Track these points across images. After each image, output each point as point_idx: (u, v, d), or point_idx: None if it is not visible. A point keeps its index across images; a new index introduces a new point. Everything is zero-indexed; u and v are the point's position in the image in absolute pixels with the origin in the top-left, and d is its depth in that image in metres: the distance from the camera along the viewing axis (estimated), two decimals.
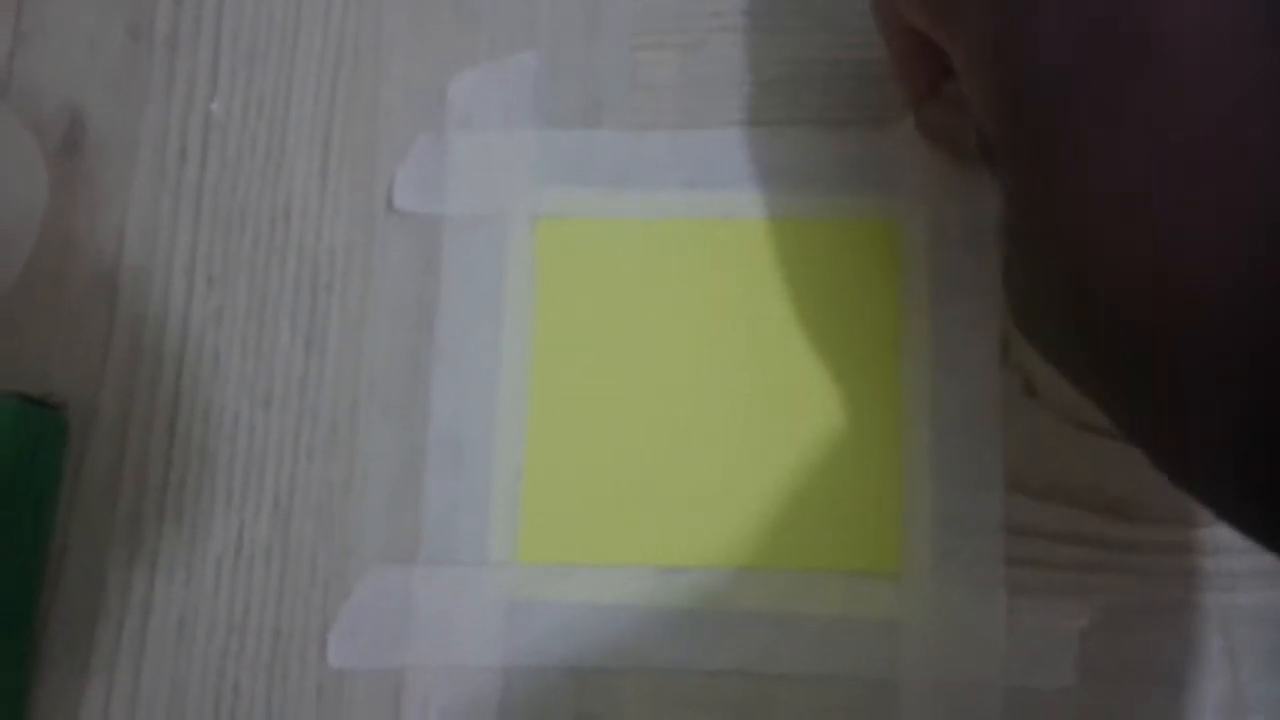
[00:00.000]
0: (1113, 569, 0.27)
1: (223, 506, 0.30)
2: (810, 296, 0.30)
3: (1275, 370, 0.16)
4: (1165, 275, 0.17)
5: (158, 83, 0.32)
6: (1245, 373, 0.17)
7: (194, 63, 0.32)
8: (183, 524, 0.30)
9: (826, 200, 0.30)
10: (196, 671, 0.29)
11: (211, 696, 0.29)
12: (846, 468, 0.28)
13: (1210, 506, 0.20)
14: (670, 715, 0.28)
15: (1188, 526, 0.27)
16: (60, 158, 0.32)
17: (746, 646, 0.28)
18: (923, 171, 0.30)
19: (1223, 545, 0.27)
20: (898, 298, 0.29)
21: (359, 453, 0.30)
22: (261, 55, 0.32)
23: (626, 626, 0.28)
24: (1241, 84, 0.17)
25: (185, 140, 0.32)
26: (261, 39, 0.32)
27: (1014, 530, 0.28)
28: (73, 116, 0.33)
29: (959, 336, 0.29)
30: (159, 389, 0.31)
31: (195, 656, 0.29)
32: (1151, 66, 0.18)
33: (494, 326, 0.30)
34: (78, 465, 0.30)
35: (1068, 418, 0.28)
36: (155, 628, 0.29)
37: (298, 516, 0.30)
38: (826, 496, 0.28)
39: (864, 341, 0.29)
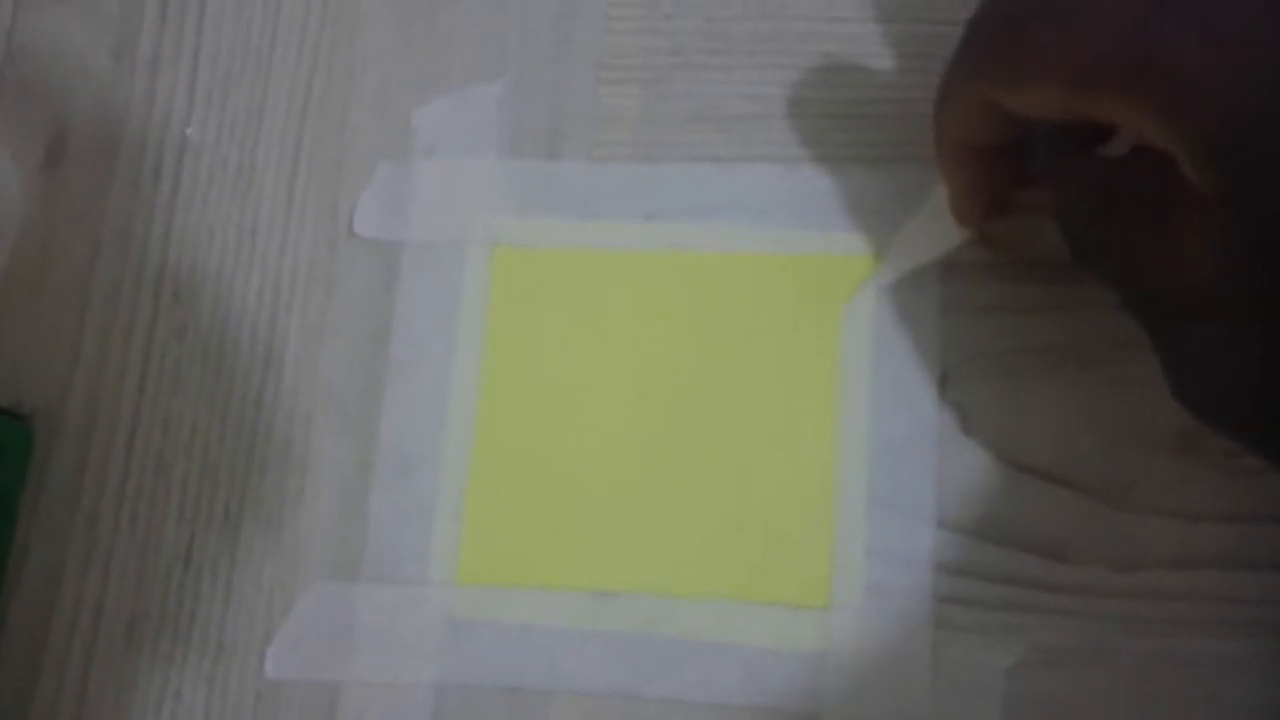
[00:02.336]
0: (1042, 610, 0.28)
1: (175, 516, 0.31)
2: (758, 329, 0.30)
3: None
4: None
5: (138, 103, 0.34)
6: None
7: (173, 83, 0.34)
8: (137, 531, 0.31)
9: (779, 235, 0.31)
10: (142, 676, 0.30)
11: (154, 701, 0.30)
12: (781, 499, 0.29)
13: None
14: None
15: (1119, 570, 0.28)
16: (42, 171, 0.34)
17: (678, 674, 0.29)
18: (871, 210, 0.31)
19: (1154, 590, 0.28)
20: (836, 332, 0.30)
21: (310, 468, 0.31)
22: (237, 77, 0.34)
23: (562, 649, 0.29)
24: None
25: (161, 159, 0.34)
26: (238, 61, 0.34)
27: (944, 567, 0.28)
28: (56, 132, 0.34)
29: (898, 372, 0.29)
30: (121, 399, 0.32)
31: (141, 661, 0.30)
32: None
33: (447, 350, 0.31)
34: (42, 469, 0.32)
35: (1003, 456, 0.29)
36: (105, 631, 0.31)
37: (247, 528, 0.31)
38: (760, 527, 0.29)
39: (806, 374, 0.30)
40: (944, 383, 0.29)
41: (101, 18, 0.35)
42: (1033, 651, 0.28)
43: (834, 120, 0.31)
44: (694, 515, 0.29)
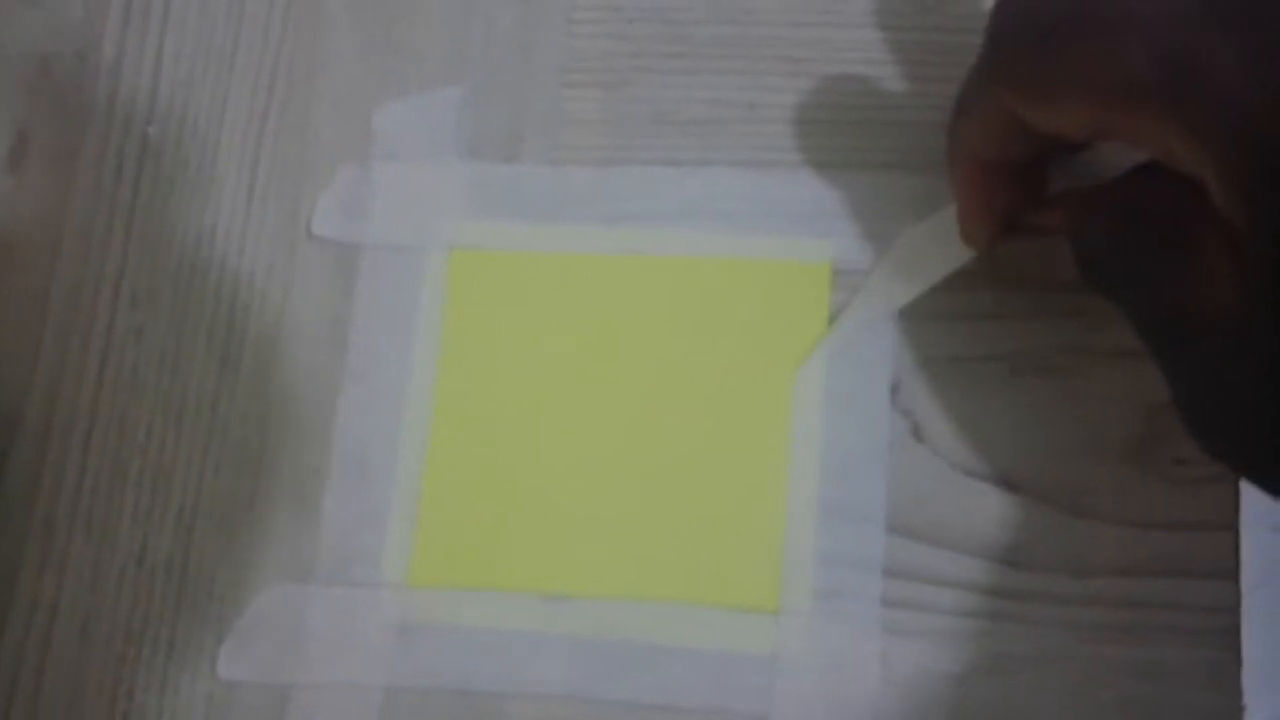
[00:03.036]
0: (992, 616, 0.28)
1: (130, 516, 0.31)
2: (715, 335, 0.31)
3: None
4: None
5: (100, 104, 0.34)
6: None
7: (135, 84, 0.34)
8: (92, 531, 0.31)
9: (739, 240, 0.31)
10: (95, 675, 0.30)
11: (107, 700, 0.30)
12: (733, 504, 0.29)
13: None
14: None
15: (1070, 577, 0.28)
16: (4, 172, 0.34)
17: (629, 676, 0.29)
18: (832, 215, 0.31)
19: (1104, 598, 0.28)
20: (795, 338, 0.30)
21: (264, 470, 0.31)
22: (199, 78, 0.34)
23: (514, 652, 0.29)
24: None
25: (122, 160, 0.34)
26: (200, 61, 0.34)
27: (894, 573, 0.28)
28: (20, 133, 0.34)
29: (851, 378, 0.30)
30: (80, 400, 0.32)
31: (95, 660, 0.30)
32: None
33: (403, 353, 0.31)
34: (0, 467, 0.32)
35: (955, 463, 0.29)
36: (60, 630, 0.31)
37: (200, 530, 0.31)
38: (712, 531, 0.29)
39: (761, 379, 0.30)
40: (896, 390, 0.30)
41: (67, 21, 0.35)
42: (982, 658, 0.28)
43: (795, 125, 0.32)
44: (647, 519, 0.30)
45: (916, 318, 0.30)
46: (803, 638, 0.28)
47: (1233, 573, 0.28)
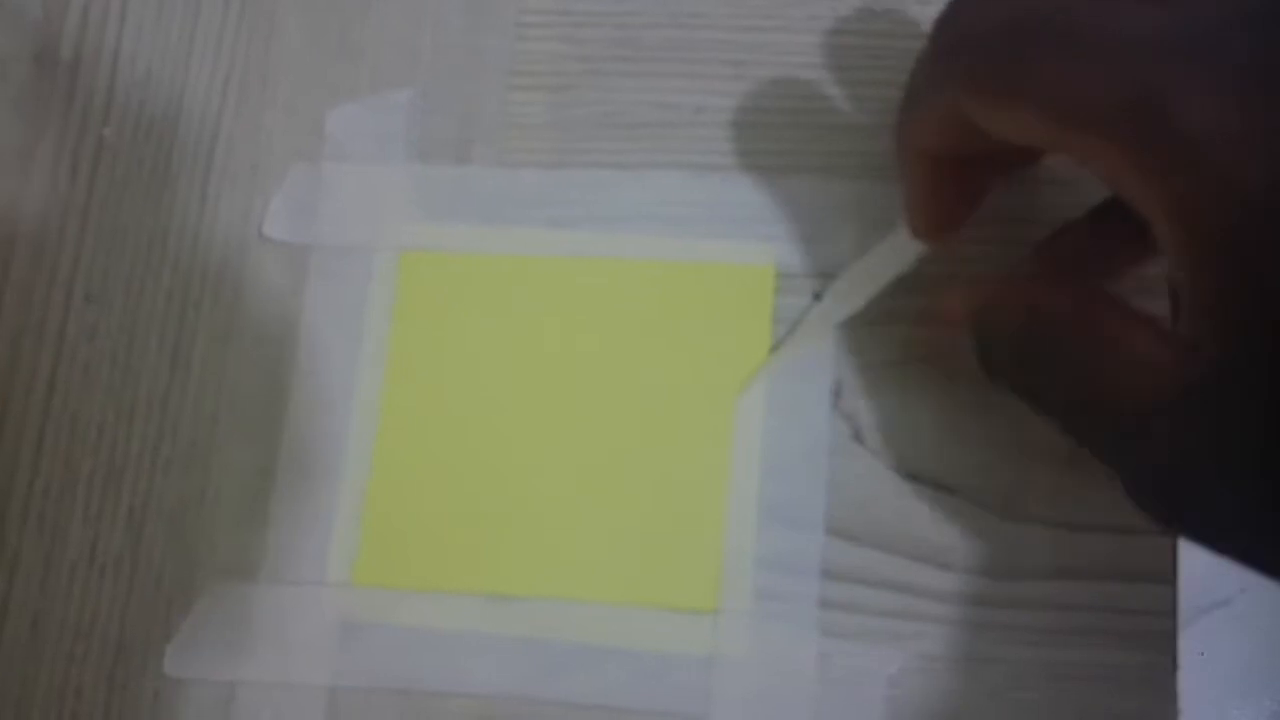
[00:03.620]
0: (925, 618, 0.28)
1: (80, 515, 0.32)
2: (660, 338, 0.31)
3: None
4: None
5: (57, 105, 0.35)
6: None
7: (92, 85, 0.35)
8: (44, 530, 0.32)
9: (686, 243, 0.32)
10: (44, 672, 0.31)
11: (56, 697, 0.31)
12: (672, 504, 0.30)
13: None
14: None
15: (1000, 579, 0.28)
16: None
17: (572, 677, 0.29)
18: (777, 219, 0.31)
19: (1033, 600, 0.28)
20: (738, 340, 0.30)
21: (214, 468, 0.32)
22: (155, 79, 0.34)
23: (455, 652, 0.30)
24: None
25: (77, 160, 0.34)
26: (155, 62, 0.34)
27: (831, 574, 0.29)
28: None
29: (792, 380, 0.30)
30: (31, 398, 0.32)
31: (44, 658, 0.31)
32: None
33: (352, 353, 0.32)
34: None
35: (893, 466, 0.29)
36: (10, 628, 0.31)
37: (150, 529, 0.31)
38: (652, 533, 0.30)
39: (703, 382, 0.30)
40: (838, 393, 0.30)
41: (26, 23, 0.35)
42: (915, 659, 0.28)
43: (739, 129, 0.32)
44: (589, 521, 0.30)
45: (857, 322, 0.30)
46: (741, 638, 0.29)
47: (1168, 577, 0.28)
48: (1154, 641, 0.28)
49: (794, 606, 0.29)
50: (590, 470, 0.30)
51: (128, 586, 0.31)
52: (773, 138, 0.32)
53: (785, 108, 0.32)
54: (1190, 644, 0.28)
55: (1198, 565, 0.28)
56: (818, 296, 0.30)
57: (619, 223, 0.32)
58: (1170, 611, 0.28)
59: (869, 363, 0.30)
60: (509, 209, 0.32)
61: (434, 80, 0.33)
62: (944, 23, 0.23)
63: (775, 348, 0.30)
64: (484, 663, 0.29)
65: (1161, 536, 0.28)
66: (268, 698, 0.30)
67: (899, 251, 0.29)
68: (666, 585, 0.29)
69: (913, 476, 0.29)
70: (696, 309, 0.31)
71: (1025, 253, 0.28)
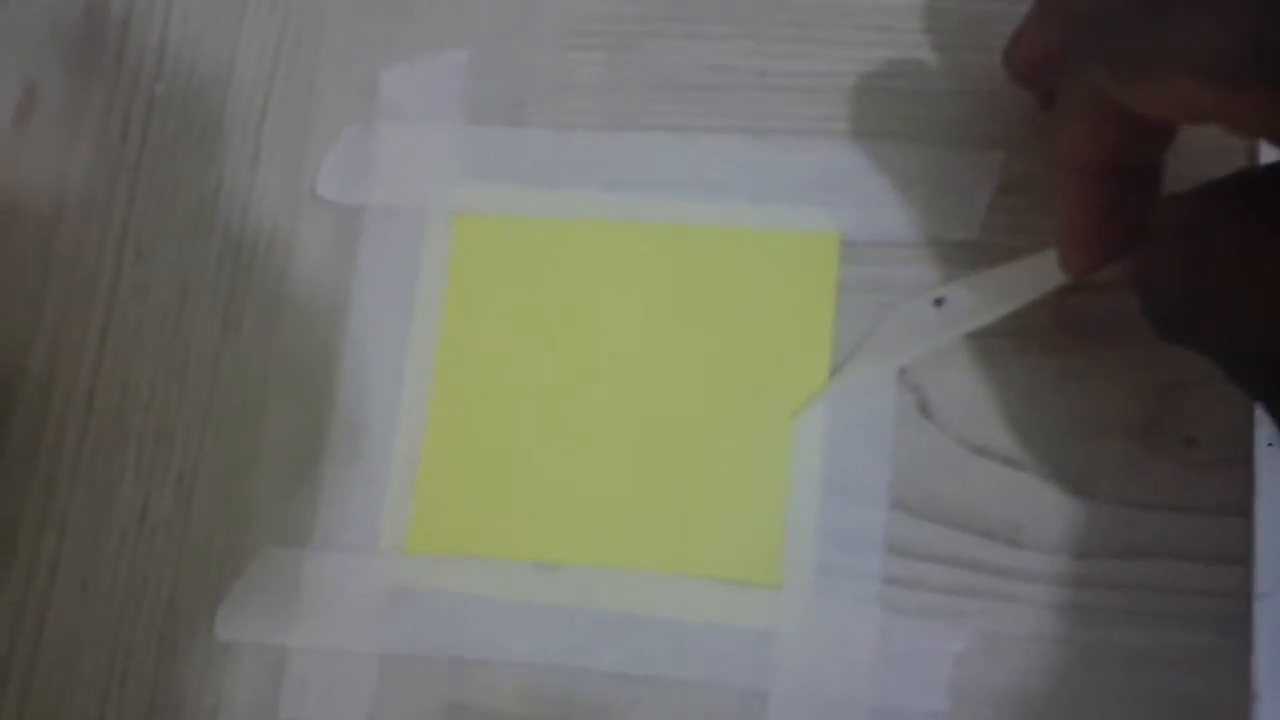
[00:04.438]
0: (994, 595, 0.28)
1: (131, 476, 0.31)
2: (717, 305, 0.30)
3: None
4: None
5: (108, 61, 0.34)
6: None
7: (143, 42, 0.34)
8: (94, 490, 0.32)
9: (742, 208, 0.31)
10: (94, 633, 0.31)
11: (106, 658, 0.31)
12: (734, 476, 0.29)
13: None
14: (540, 710, 0.29)
15: (1074, 558, 0.28)
16: (11, 129, 0.34)
17: (620, 647, 0.29)
18: (838, 185, 0.31)
19: (1103, 579, 0.28)
20: (801, 309, 0.30)
21: (264, 432, 0.31)
22: (207, 37, 0.34)
23: (505, 620, 0.29)
24: None
25: (129, 117, 0.34)
26: (208, 20, 0.34)
27: (895, 550, 0.28)
28: (27, 89, 0.34)
29: (858, 353, 0.29)
30: (83, 358, 0.32)
31: (94, 618, 0.31)
32: None
33: (404, 317, 0.31)
34: (3, 426, 0.32)
35: (960, 440, 0.29)
36: (60, 587, 0.31)
37: (200, 491, 0.31)
38: (712, 503, 0.29)
39: (763, 350, 0.30)
40: (904, 365, 0.29)
41: None
42: (980, 638, 0.28)
43: (800, 93, 0.31)
44: (646, 490, 0.30)
45: (926, 289, 0.29)
46: (802, 613, 0.28)
47: (1240, 558, 0.28)
48: (1227, 624, 0.27)
49: (856, 582, 0.28)
50: (648, 437, 0.30)
51: (178, 548, 0.31)
52: (838, 102, 0.31)
53: (851, 71, 0.31)
54: (1265, 626, 0.27)
55: (1273, 545, 0.27)
56: (939, 303, 0.29)
57: (676, 187, 0.31)
58: (1244, 593, 0.27)
59: None
60: (563, 172, 0.32)
61: (489, 40, 0.33)
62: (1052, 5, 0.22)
63: (867, 343, 0.30)
64: (535, 631, 0.29)
65: (1234, 517, 0.28)
66: (318, 662, 0.30)
67: (1040, 275, 0.27)
68: (725, 557, 0.29)
69: (980, 451, 0.29)
70: (757, 276, 0.31)
71: None
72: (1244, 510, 0.27)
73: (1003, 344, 0.29)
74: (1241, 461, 0.28)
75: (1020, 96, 0.29)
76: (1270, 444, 0.27)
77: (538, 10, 0.33)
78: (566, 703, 0.29)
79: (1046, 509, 0.28)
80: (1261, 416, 0.27)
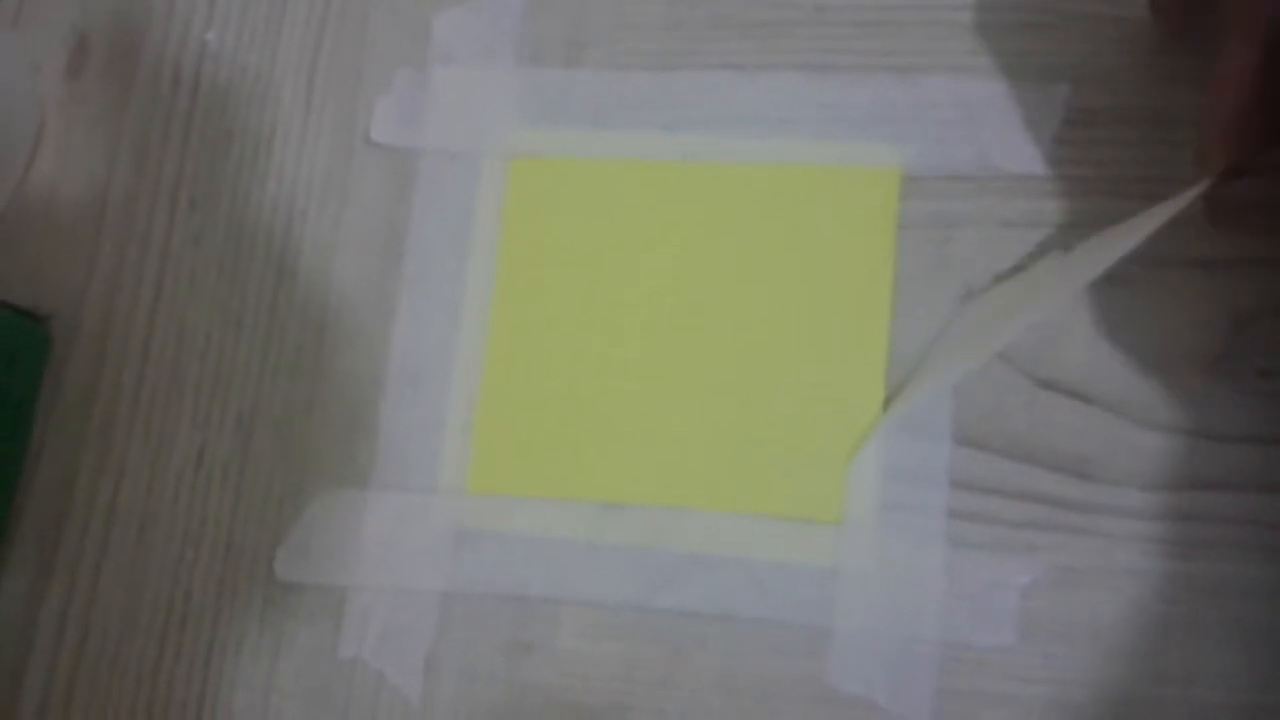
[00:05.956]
0: (1061, 529, 0.28)
1: (188, 422, 0.32)
2: (775, 242, 0.31)
3: None
4: None
5: (159, 9, 0.35)
6: None
7: None
8: (150, 437, 0.32)
9: (801, 145, 0.31)
10: (153, 577, 0.31)
11: (165, 602, 0.31)
12: (795, 413, 0.29)
13: None
14: (603, 648, 0.29)
15: (1145, 490, 0.28)
16: (64, 79, 0.35)
17: (684, 585, 0.29)
18: (896, 120, 0.31)
19: (1175, 511, 0.28)
20: (862, 245, 0.30)
21: (321, 376, 0.32)
22: None
23: (568, 560, 0.30)
24: None
25: (180, 67, 0.34)
26: None
27: (960, 484, 0.28)
28: (79, 41, 0.35)
29: (921, 283, 0.29)
30: (138, 306, 0.33)
31: (152, 563, 0.31)
32: None
33: (460, 260, 0.32)
34: (59, 374, 0.33)
35: (1026, 372, 0.29)
36: (117, 533, 0.32)
37: (258, 435, 0.32)
38: (774, 441, 0.29)
39: (825, 287, 0.30)
40: (968, 297, 0.29)
41: None
42: (1049, 570, 0.28)
43: (858, 28, 0.32)
44: (706, 429, 0.30)
45: (990, 224, 0.30)
46: (867, 549, 0.29)
47: None
48: None
49: (921, 517, 0.28)
50: (707, 376, 0.30)
51: (235, 492, 0.31)
52: (900, 36, 0.31)
53: (908, 4, 0.31)
54: None
55: None
56: (1066, 249, 0.29)
57: (734, 126, 0.32)
58: None
59: (1001, 268, 0.29)
60: (620, 113, 0.32)
61: None
62: None
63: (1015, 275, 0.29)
64: (597, 571, 0.29)
65: None
66: (378, 602, 0.30)
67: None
68: (789, 495, 0.29)
69: (1046, 384, 0.29)
70: (818, 213, 0.31)
71: None
72: None
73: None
74: None
75: (1085, 28, 0.29)
76: None
77: None
78: (633, 641, 0.29)
79: (1116, 442, 0.28)
80: None
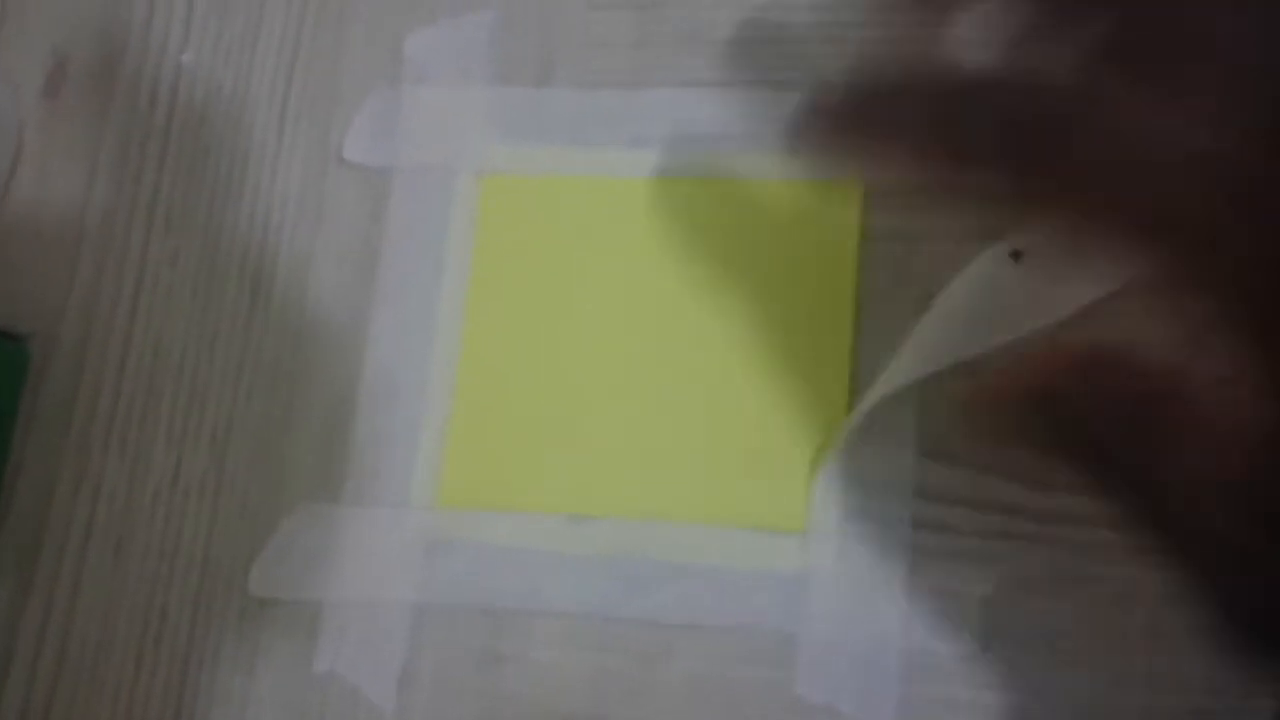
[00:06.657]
0: (1021, 537, 0.29)
1: (164, 439, 0.33)
2: (742, 255, 0.31)
3: None
4: None
5: (136, 29, 0.36)
6: None
7: (170, 9, 0.36)
8: (126, 453, 0.33)
9: (769, 161, 0.32)
10: (129, 594, 0.32)
11: (141, 618, 0.32)
12: (760, 425, 0.30)
13: None
14: (575, 658, 0.30)
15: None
16: (42, 97, 0.35)
17: (653, 596, 0.30)
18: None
19: None
20: (824, 259, 0.31)
21: (296, 392, 0.32)
22: (233, 5, 0.35)
23: (539, 571, 0.30)
24: None
25: (157, 87, 0.35)
26: None
27: (923, 493, 0.29)
28: (57, 60, 0.36)
29: (883, 297, 0.30)
30: (114, 324, 0.34)
31: (129, 580, 0.32)
32: None
33: (434, 277, 0.32)
34: (36, 391, 0.33)
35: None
36: (94, 550, 0.32)
37: (233, 452, 0.32)
38: (738, 452, 0.30)
39: (787, 300, 0.31)
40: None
41: None
42: (1010, 579, 0.28)
43: (826, 45, 0.32)
44: (672, 440, 0.30)
45: (950, 239, 0.30)
46: (830, 558, 0.29)
47: None
48: None
49: (884, 526, 0.29)
50: (673, 389, 0.31)
51: (211, 509, 0.32)
52: (858, 54, 0.32)
53: (869, 21, 0.32)
54: None
55: None
56: (1015, 256, 0.28)
57: (700, 141, 0.32)
58: None
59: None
60: (590, 130, 0.33)
61: (514, 1, 0.34)
62: None
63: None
64: (567, 581, 0.30)
65: None
66: (353, 615, 0.31)
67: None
68: (754, 504, 0.30)
69: None
70: (781, 228, 0.31)
71: None
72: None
73: None
74: None
75: None
76: None
77: None
78: (602, 650, 0.30)
79: None
80: None
